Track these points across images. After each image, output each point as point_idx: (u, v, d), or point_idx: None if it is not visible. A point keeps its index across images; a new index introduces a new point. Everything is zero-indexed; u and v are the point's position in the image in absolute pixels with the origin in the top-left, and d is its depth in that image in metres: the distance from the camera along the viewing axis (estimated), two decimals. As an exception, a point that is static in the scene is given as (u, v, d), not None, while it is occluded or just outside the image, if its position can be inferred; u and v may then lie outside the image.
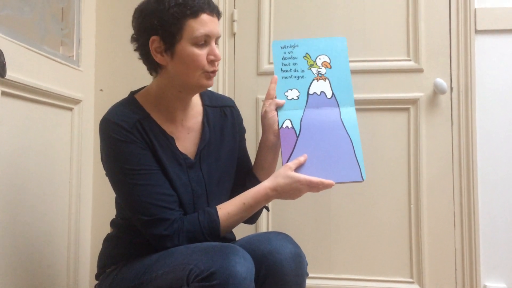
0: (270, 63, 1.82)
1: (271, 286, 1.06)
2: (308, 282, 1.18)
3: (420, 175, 1.71)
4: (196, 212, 1.13)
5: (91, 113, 1.78)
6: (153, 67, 1.15)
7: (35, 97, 1.44)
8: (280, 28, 1.82)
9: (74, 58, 1.72)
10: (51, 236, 1.54)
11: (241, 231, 1.38)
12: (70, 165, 1.65)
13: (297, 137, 1.19)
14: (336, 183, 1.13)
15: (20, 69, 1.38)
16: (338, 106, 1.22)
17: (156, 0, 1.08)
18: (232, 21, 1.83)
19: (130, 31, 1.15)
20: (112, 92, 1.79)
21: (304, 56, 1.25)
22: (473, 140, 1.68)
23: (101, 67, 1.81)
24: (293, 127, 1.19)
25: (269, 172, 1.27)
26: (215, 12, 1.12)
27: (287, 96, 1.23)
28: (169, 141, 1.15)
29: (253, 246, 1.10)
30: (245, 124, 1.37)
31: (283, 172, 1.13)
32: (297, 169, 1.14)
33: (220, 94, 1.38)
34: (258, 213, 1.28)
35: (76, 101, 1.68)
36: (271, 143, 1.23)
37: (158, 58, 1.11)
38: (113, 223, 1.26)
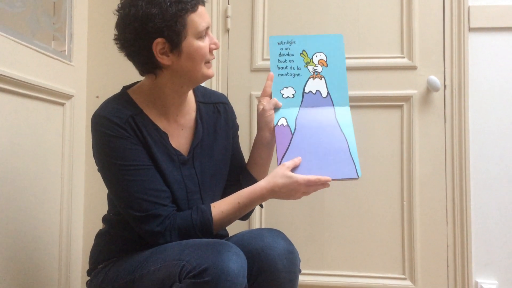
0: (264, 59, 1.81)
1: (263, 283, 1.06)
2: (301, 278, 1.18)
3: (413, 172, 1.71)
4: (190, 209, 1.12)
5: (83, 108, 1.77)
6: (152, 69, 1.12)
7: (26, 92, 1.43)
8: (274, 24, 1.82)
9: (66, 53, 1.71)
10: (43, 232, 1.53)
11: (234, 228, 1.37)
12: (61, 160, 1.63)
13: (292, 135, 1.19)
14: (332, 179, 1.13)
15: (11, 64, 1.36)
16: (333, 105, 1.22)
17: (149, 2, 1.04)
18: (226, 17, 1.82)
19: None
20: (104, 87, 1.77)
21: (300, 53, 1.24)
22: (465, 137, 1.68)
23: (93, 62, 1.80)
24: (288, 125, 1.20)
25: (264, 169, 1.27)
26: (203, 1, 1.12)
27: (283, 94, 1.23)
28: (162, 137, 1.15)
29: (246, 242, 1.09)
30: (238, 120, 1.37)
31: (281, 172, 1.12)
32: (293, 169, 1.14)
33: (213, 90, 1.38)
34: (251, 210, 1.28)
35: (68, 96, 1.66)
36: (267, 140, 1.23)
37: (164, 59, 1.08)
38: (105, 219, 1.25)
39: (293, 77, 1.23)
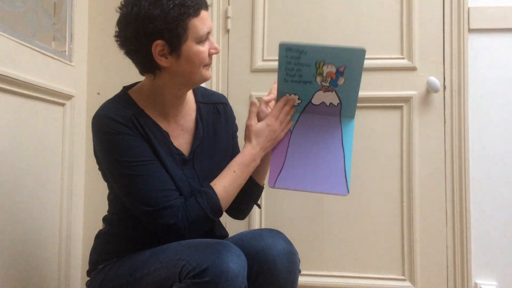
0: (264, 60, 1.81)
1: (263, 283, 1.07)
2: (301, 279, 1.18)
3: (412, 173, 1.71)
4: (192, 196, 1.11)
5: (83, 108, 1.77)
6: (151, 69, 1.11)
7: (27, 92, 1.43)
8: (274, 25, 1.82)
9: (66, 53, 1.71)
10: (43, 232, 1.53)
11: (234, 228, 1.38)
12: (61, 161, 1.64)
13: (290, 138, 1.19)
14: (318, 192, 1.14)
15: (12, 64, 1.36)
16: (340, 115, 1.19)
17: (152, 3, 1.03)
18: (226, 17, 1.82)
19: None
20: (104, 87, 1.77)
21: (312, 64, 1.11)
22: (465, 138, 1.69)
23: (94, 62, 1.80)
24: (288, 129, 1.19)
25: (262, 170, 1.27)
26: (207, 6, 1.12)
27: None
28: (164, 136, 1.15)
29: (245, 242, 1.09)
30: (238, 121, 1.37)
31: (254, 131, 1.17)
32: (283, 179, 1.15)
33: (212, 91, 1.38)
34: (249, 208, 1.29)
35: (68, 97, 1.66)
36: None
37: (162, 61, 1.08)
38: (105, 219, 1.25)
39: (300, 85, 1.15)
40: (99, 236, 1.24)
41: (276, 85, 1.19)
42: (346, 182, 1.15)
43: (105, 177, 1.18)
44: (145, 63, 1.10)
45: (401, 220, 1.72)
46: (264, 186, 1.27)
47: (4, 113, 1.34)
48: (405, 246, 1.71)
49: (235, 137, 1.35)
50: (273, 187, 1.16)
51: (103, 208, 1.26)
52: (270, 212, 1.78)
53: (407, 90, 1.74)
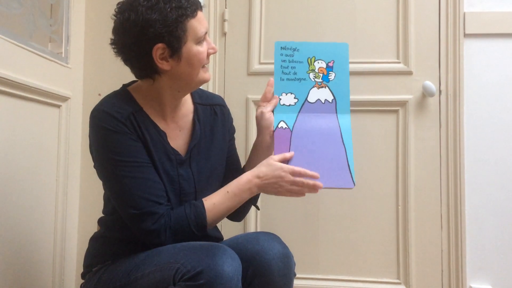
0: (260, 63, 1.82)
1: (258, 286, 1.06)
2: (296, 282, 1.18)
3: (408, 176, 1.72)
4: (181, 206, 1.12)
5: (79, 110, 1.76)
6: (150, 74, 1.11)
7: (23, 93, 1.43)
8: (271, 28, 1.82)
9: (63, 55, 1.71)
10: (37, 234, 1.52)
11: (229, 231, 1.38)
12: (57, 162, 1.63)
13: (291, 138, 1.19)
14: (325, 187, 1.13)
15: (8, 65, 1.36)
16: (336, 112, 1.23)
17: (149, 7, 1.04)
18: (223, 20, 1.83)
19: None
20: (101, 89, 1.77)
21: (304, 61, 1.25)
22: (460, 142, 1.69)
23: (90, 64, 1.80)
24: (288, 127, 1.20)
25: None
26: (201, 6, 1.13)
27: (281, 99, 1.23)
28: (161, 136, 1.15)
29: (241, 246, 1.09)
30: (235, 123, 1.37)
31: (265, 162, 1.14)
32: None
33: (210, 92, 1.38)
34: (246, 210, 1.28)
35: (64, 98, 1.66)
36: (266, 144, 1.23)
37: (163, 64, 1.08)
38: (100, 221, 1.24)
39: (295, 83, 1.24)
40: (94, 239, 1.23)
41: (269, 88, 1.23)
42: (351, 175, 1.16)
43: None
44: (145, 69, 1.10)
45: (396, 223, 1.73)
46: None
47: (-1, 115, 1.34)
48: (400, 250, 1.72)
49: (232, 139, 1.35)
50: None
51: (98, 210, 1.26)
52: (266, 216, 1.78)
53: (403, 94, 1.75)
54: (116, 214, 1.15)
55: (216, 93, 1.80)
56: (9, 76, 1.35)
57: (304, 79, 1.23)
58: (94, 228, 1.27)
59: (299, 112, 1.22)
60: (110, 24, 1.11)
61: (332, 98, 1.23)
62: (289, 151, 1.18)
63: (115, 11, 1.09)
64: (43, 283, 1.56)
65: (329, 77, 1.24)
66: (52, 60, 1.60)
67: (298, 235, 1.76)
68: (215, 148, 1.25)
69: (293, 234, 1.76)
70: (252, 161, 1.29)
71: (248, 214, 1.38)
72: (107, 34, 1.13)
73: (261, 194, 1.22)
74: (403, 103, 1.74)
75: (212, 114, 1.28)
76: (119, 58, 1.13)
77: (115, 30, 1.09)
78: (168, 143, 1.16)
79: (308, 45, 1.25)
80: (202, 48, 1.11)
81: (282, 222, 1.77)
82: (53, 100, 1.60)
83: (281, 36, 1.80)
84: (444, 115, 1.72)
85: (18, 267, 1.42)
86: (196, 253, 0.97)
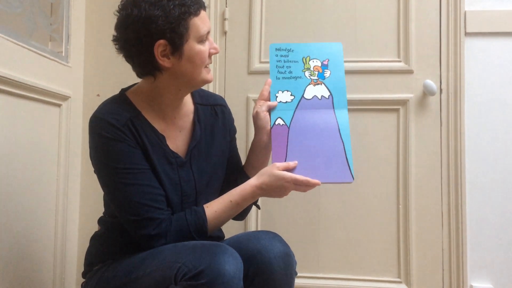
0: (261, 62, 1.81)
1: (259, 285, 1.07)
2: (297, 281, 1.18)
3: (408, 175, 1.72)
4: (183, 211, 1.12)
5: (80, 109, 1.76)
6: (151, 71, 1.11)
7: (23, 92, 1.43)
8: (271, 27, 1.82)
9: (63, 54, 1.70)
10: (38, 233, 1.52)
11: (231, 230, 1.37)
12: (57, 162, 1.63)
13: (288, 135, 1.20)
14: (324, 182, 1.13)
15: (8, 64, 1.36)
16: (334, 107, 1.23)
17: (152, 3, 1.04)
18: (224, 19, 1.82)
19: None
20: (101, 88, 1.77)
21: (299, 60, 1.28)
22: (461, 141, 1.69)
23: (90, 63, 1.80)
24: (285, 124, 1.21)
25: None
26: (205, 6, 1.13)
27: (277, 97, 1.24)
28: (160, 139, 1.15)
29: (242, 244, 1.10)
30: (235, 123, 1.37)
31: (269, 171, 1.13)
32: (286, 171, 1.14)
33: (211, 92, 1.38)
34: (247, 210, 1.28)
35: (65, 97, 1.66)
36: (264, 143, 1.24)
37: (164, 61, 1.08)
38: (101, 221, 1.24)
39: (291, 81, 1.26)
40: (95, 238, 1.23)
41: (266, 87, 1.25)
42: (350, 169, 1.17)
43: None
44: (146, 65, 1.10)
45: (397, 222, 1.72)
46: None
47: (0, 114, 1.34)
48: (401, 249, 1.71)
49: (233, 139, 1.35)
50: None
51: (99, 209, 1.26)
52: (267, 214, 1.78)
53: (403, 93, 1.74)
54: (116, 218, 1.15)
55: (217, 92, 1.80)
56: (9, 75, 1.35)
57: (300, 77, 1.26)
58: (94, 227, 1.27)
59: (296, 108, 1.23)
60: (110, 23, 1.11)
61: (329, 94, 1.25)
62: (287, 148, 1.18)
63: (118, 7, 1.09)
64: (44, 282, 1.56)
65: (324, 75, 1.26)
66: (52, 59, 1.60)
67: (299, 233, 1.76)
68: (216, 149, 1.25)
69: (294, 232, 1.76)
70: (251, 161, 1.30)
71: (249, 213, 1.37)
72: (108, 33, 1.13)
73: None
74: (403, 102, 1.74)
75: (213, 114, 1.28)
76: (119, 57, 1.13)
77: (117, 26, 1.09)
78: (167, 146, 1.15)
79: (303, 45, 1.30)
80: (204, 47, 1.11)
81: (283, 221, 1.77)
82: (53, 99, 1.59)
83: (281, 34, 1.80)
84: (445, 114, 1.72)
85: (19, 266, 1.42)
86: (197, 252, 0.97)
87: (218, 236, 1.26)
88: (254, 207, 1.30)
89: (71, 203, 1.71)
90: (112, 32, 1.11)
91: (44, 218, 1.55)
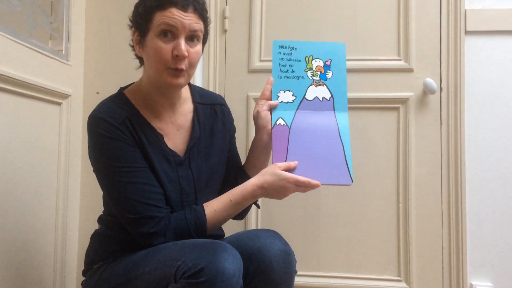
0: (261, 60, 1.81)
1: (259, 283, 1.07)
2: (297, 279, 1.18)
3: (408, 174, 1.72)
4: (183, 209, 1.12)
5: (80, 108, 1.76)
6: (138, 58, 1.18)
7: (23, 91, 1.43)
8: (272, 26, 1.82)
9: (63, 52, 1.70)
10: (38, 231, 1.53)
11: (230, 228, 1.37)
12: (58, 160, 1.63)
13: (289, 135, 1.20)
14: (323, 184, 1.14)
15: (8, 63, 1.36)
16: (334, 110, 1.24)
17: None
18: (224, 18, 1.82)
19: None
20: (101, 86, 1.77)
21: (302, 59, 1.27)
22: (461, 140, 1.69)
23: (91, 61, 1.80)
24: (286, 124, 1.21)
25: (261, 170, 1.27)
26: (190, 7, 1.07)
27: (279, 96, 1.24)
28: (158, 138, 1.15)
29: (242, 243, 1.10)
30: (235, 122, 1.37)
31: (271, 170, 1.13)
32: (287, 171, 1.14)
33: (210, 91, 1.38)
34: (247, 209, 1.28)
35: (65, 96, 1.66)
36: (264, 142, 1.24)
37: (136, 49, 1.15)
38: (100, 220, 1.25)
39: (293, 81, 1.25)
40: (95, 236, 1.23)
41: (268, 86, 1.24)
42: (349, 172, 1.17)
43: None
44: (134, 51, 1.17)
45: (397, 221, 1.73)
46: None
47: (0, 112, 1.34)
48: (401, 247, 1.72)
49: (233, 139, 1.35)
50: None
51: (99, 208, 1.26)
52: (266, 213, 1.78)
53: (403, 92, 1.74)
54: (116, 216, 1.15)
55: (217, 90, 1.80)
56: (9, 73, 1.35)
57: (302, 77, 1.25)
58: (95, 225, 1.27)
59: (297, 109, 1.23)
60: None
61: (330, 96, 1.25)
62: (288, 148, 1.18)
63: None
64: (44, 281, 1.56)
65: (326, 76, 1.26)
66: (52, 58, 1.60)
67: (299, 232, 1.76)
68: (215, 148, 1.25)
69: (294, 231, 1.76)
70: (251, 160, 1.30)
71: (248, 213, 1.38)
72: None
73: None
74: (404, 101, 1.74)
75: (212, 114, 1.27)
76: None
77: None
78: (166, 145, 1.16)
79: (306, 44, 1.28)
80: (164, 45, 1.06)
81: (283, 219, 1.77)
82: (53, 97, 1.59)
83: (282, 33, 1.80)
84: (445, 113, 1.72)
85: (19, 265, 1.42)
86: (197, 250, 0.97)
87: (218, 234, 1.26)
88: (254, 206, 1.30)
89: (71, 201, 1.71)
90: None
91: (44, 216, 1.56)
